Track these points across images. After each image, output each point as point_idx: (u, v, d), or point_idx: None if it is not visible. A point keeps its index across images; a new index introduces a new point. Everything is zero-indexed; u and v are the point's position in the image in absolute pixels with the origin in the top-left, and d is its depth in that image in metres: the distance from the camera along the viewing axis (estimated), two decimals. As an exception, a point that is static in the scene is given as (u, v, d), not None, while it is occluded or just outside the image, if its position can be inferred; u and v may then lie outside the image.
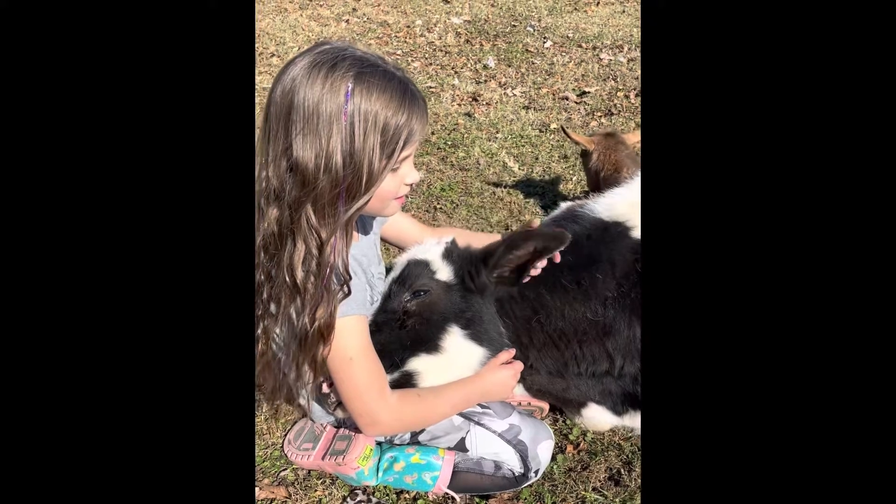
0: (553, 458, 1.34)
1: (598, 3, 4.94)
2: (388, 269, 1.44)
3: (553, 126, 2.94)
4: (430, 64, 3.89)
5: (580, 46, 4.00)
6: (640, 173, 1.49)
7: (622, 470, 1.32)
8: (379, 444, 1.35)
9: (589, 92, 3.29)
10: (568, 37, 4.17)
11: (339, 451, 1.28)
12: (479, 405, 1.32)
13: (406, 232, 1.56)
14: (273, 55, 4.13)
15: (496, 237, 1.46)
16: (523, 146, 2.77)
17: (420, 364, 1.27)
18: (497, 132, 2.92)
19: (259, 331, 1.14)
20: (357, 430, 1.31)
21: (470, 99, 3.34)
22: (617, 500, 1.25)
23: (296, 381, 1.19)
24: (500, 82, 3.55)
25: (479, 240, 1.44)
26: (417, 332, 1.28)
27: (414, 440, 1.32)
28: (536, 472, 1.29)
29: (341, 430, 1.35)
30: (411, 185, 1.16)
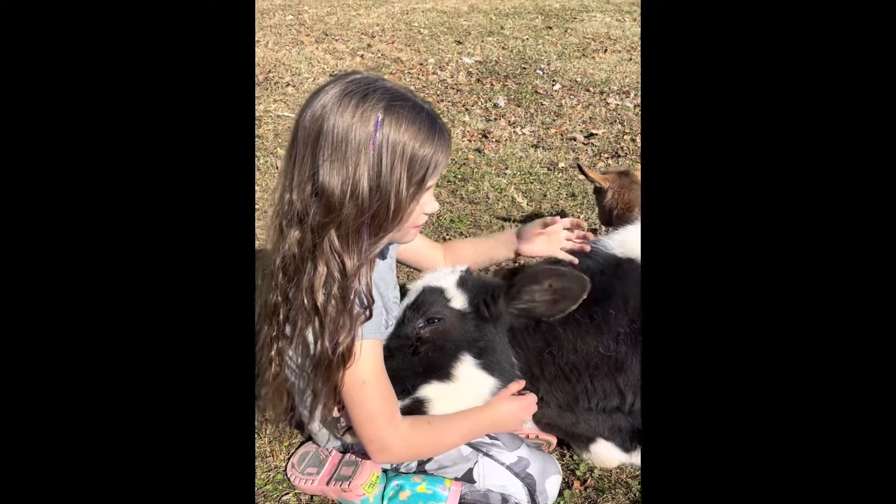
0: (560, 494, 1.32)
1: (606, 50, 5.09)
2: (403, 293, 1.45)
3: (561, 165, 3.00)
4: (442, 101, 3.98)
5: (588, 90, 4.10)
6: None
7: (630, 509, 1.30)
8: (385, 471, 1.33)
9: (596, 134, 3.36)
10: (576, 81, 4.28)
11: (344, 477, 1.27)
12: (488, 436, 1.31)
13: (420, 252, 1.57)
14: (288, 84, 4.22)
15: (508, 234, 1.53)
16: (532, 183, 2.82)
17: (431, 391, 1.27)
18: (506, 168, 2.97)
19: (273, 352, 1.14)
20: (364, 455, 1.30)
21: (480, 136, 3.41)
22: (625, 539, 1.23)
23: (312, 406, 1.19)
24: (509, 121, 3.63)
25: (488, 246, 1.50)
26: (430, 359, 1.28)
27: (421, 469, 1.31)
28: (544, 508, 1.27)
29: (347, 455, 1.33)
30: (430, 214, 1.19)
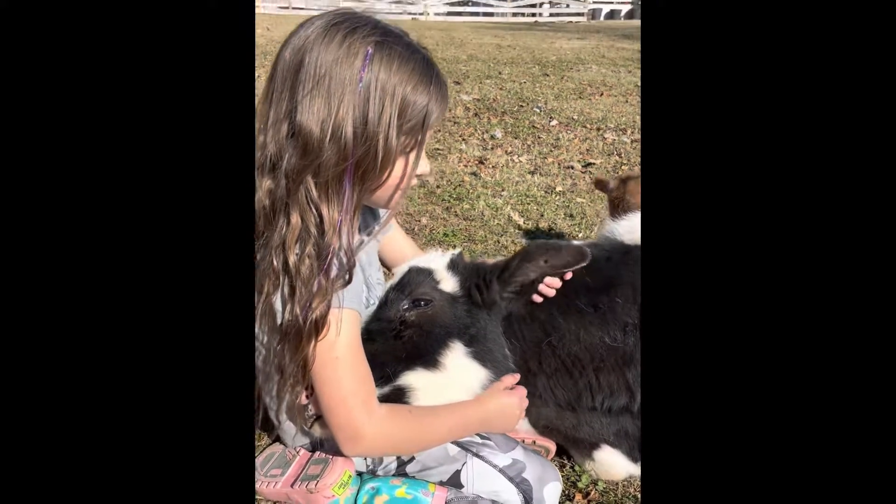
0: (560, 506, 1.15)
1: (602, 94, 5.16)
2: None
3: (559, 189, 2.92)
4: (439, 131, 3.96)
5: (585, 127, 4.10)
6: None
7: (640, 526, 1.13)
8: (360, 474, 1.16)
9: (594, 163, 3.32)
10: (573, 118, 4.30)
11: (311, 476, 1.10)
12: (479, 435, 1.15)
13: (403, 252, 1.45)
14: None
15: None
16: (529, 204, 2.73)
17: (415, 379, 1.12)
18: (502, 190, 2.90)
19: None
20: (335, 452, 1.13)
21: (476, 162, 3.36)
22: (635, 559, 1.06)
23: (278, 389, 1.04)
24: (506, 150, 3.59)
25: None
26: (415, 344, 1.14)
27: (401, 471, 1.14)
28: (541, 520, 1.10)
29: (316, 453, 1.16)
30: (421, 176, 1.08)
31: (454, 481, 1.11)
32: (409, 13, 14.96)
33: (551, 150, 3.58)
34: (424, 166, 1.06)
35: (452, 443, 1.12)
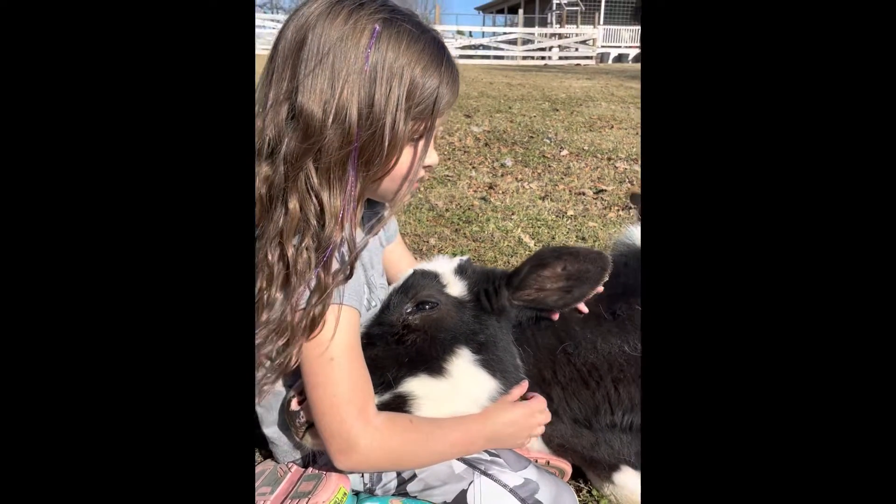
0: (577, 534, 1.04)
1: (612, 127, 5.16)
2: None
3: (570, 213, 2.86)
4: (449, 159, 3.95)
5: (595, 157, 4.07)
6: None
7: (667, 557, 1.01)
8: (356, 493, 1.06)
9: (605, 190, 3.26)
10: (584, 149, 4.27)
11: (302, 494, 1.00)
12: (488, 452, 1.05)
13: (401, 263, 1.37)
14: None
15: None
16: (539, 227, 2.67)
17: (418, 386, 1.03)
18: (512, 214, 2.84)
19: None
20: (330, 467, 1.03)
21: (486, 187, 3.32)
22: None
23: (260, 385, 0.95)
24: (516, 178, 3.56)
25: None
26: (419, 349, 1.06)
27: (401, 490, 1.04)
28: (557, 547, 0.99)
29: (309, 469, 1.07)
30: (429, 168, 1.02)
31: (460, 502, 1.00)
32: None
33: (562, 178, 3.54)
34: (433, 157, 1.00)
35: (458, 460, 1.03)
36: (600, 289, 1.08)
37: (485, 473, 1.02)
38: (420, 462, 0.99)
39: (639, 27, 15.74)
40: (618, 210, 2.98)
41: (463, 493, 1.00)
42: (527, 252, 2.39)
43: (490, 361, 1.08)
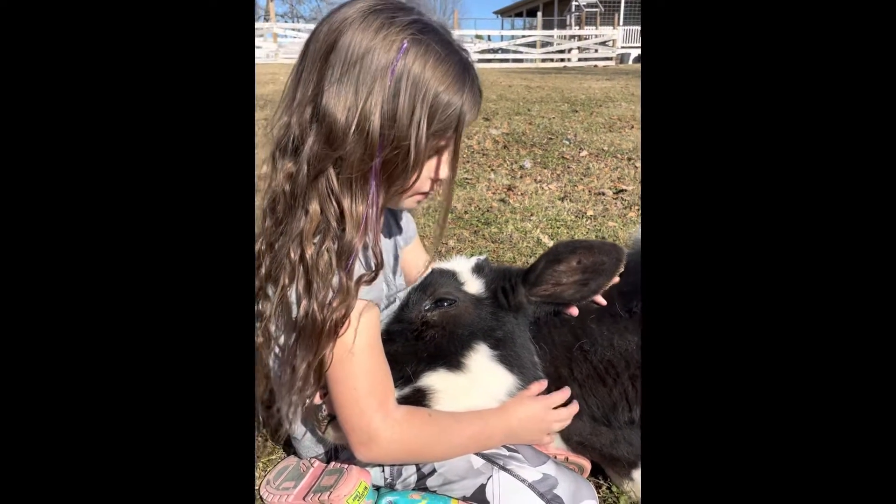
0: (597, 529, 1.04)
1: (633, 127, 5.12)
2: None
3: (590, 213, 2.85)
4: (468, 162, 3.97)
5: (615, 157, 4.05)
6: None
7: (688, 553, 1.01)
8: (377, 488, 1.08)
9: (626, 189, 3.24)
10: (603, 149, 4.25)
11: (324, 488, 1.02)
12: (506, 447, 1.06)
13: (418, 265, 1.38)
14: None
15: None
16: (559, 227, 2.67)
17: (437, 381, 1.05)
18: (531, 215, 2.84)
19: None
20: (352, 462, 1.06)
21: (505, 189, 3.32)
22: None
23: (287, 390, 0.98)
24: (535, 179, 3.56)
25: None
26: (437, 344, 1.07)
27: (421, 485, 1.05)
28: (576, 543, 0.99)
29: (332, 464, 1.09)
30: (440, 181, 1.03)
31: (479, 497, 1.01)
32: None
33: (581, 179, 3.53)
34: (445, 171, 1.01)
35: (477, 455, 1.04)
36: (616, 280, 1.09)
37: (503, 468, 1.03)
38: (439, 455, 1.01)
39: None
40: (638, 210, 2.96)
41: (482, 487, 1.02)
42: (546, 252, 2.40)
43: (508, 357, 1.09)
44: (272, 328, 0.99)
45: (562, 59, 17.13)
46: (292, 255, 0.91)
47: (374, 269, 0.93)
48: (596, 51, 17.36)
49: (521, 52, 17.04)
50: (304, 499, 1.04)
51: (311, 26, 0.97)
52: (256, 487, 1.15)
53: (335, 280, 0.90)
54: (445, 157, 0.99)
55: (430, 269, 1.21)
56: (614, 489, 1.15)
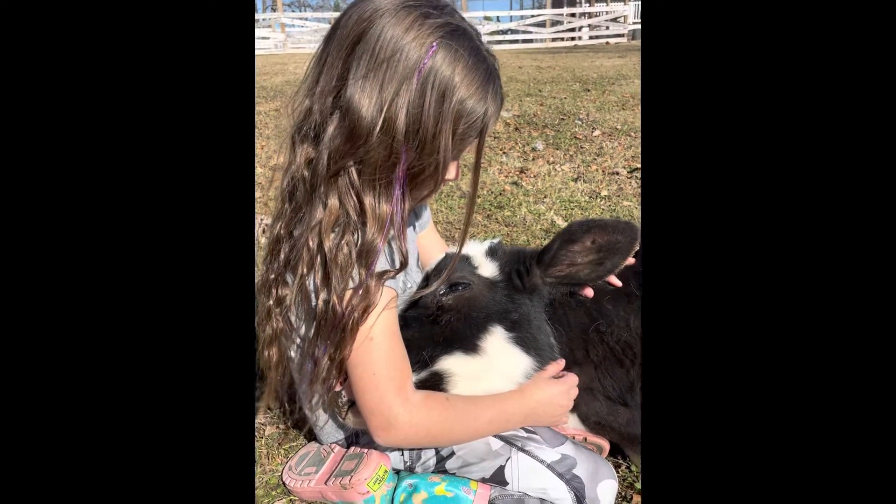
0: (616, 508, 1.05)
1: (646, 104, 5.03)
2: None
3: (604, 193, 2.83)
4: (479, 146, 3.94)
5: (629, 135, 3.99)
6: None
7: (709, 530, 1.01)
8: (397, 471, 1.09)
9: (640, 168, 3.20)
10: (616, 128, 4.20)
11: (345, 472, 1.04)
12: (524, 429, 1.06)
13: (431, 249, 1.38)
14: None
15: None
16: (573, 209, 2.65)
17: (454, 364, 1.05)
18: (545, 197, 2.82)
19: (271, 301, 0.96)
20: (372, 446, 1.07)
21: (517, 172, 3.30)
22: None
23: (310, 381, 0.99)
24: (548, 161, 3.52)
25: None
26: (453, 328, 1.08)
27: (440, 467, 1.06)
28: (596, 521, 1.00)
29: (352, 449, 1.10)
30: (448, 181, 1.02)
31: (498, 478, 1.02)
32: (449, 44, 15.22)
33: (594, 159, 3.49)
34: (452, 172, 1.00)
35: (495, 436, 1.04)
36: (631, 260, 1.08)
37: (522, 450, 1.03)
38: (457, 438, 1.01)
39: None
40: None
41: (501, 468, 1.02)
42: (560, 234, 2.38)
43: (524, 339, 1.09)
44: (292, 318, 1.00)
45: (572, 38, 16.86)
46: (311, 244, 0.90)
47: (398, 266, 0.93)
48: (607, 28, 17.05)
49: (530, 33, 16.80)
50: (325, 483, 1.05)
51: (319, 15, 0.96)
52: (279, 474, 1.17)
53: (355, 274, 0.90)
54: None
55: (444, 254, 1.21)
56: (633, 468, 1.16)
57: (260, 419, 1.33)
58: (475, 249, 1.21)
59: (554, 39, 16.76)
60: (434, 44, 0.84)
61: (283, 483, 1.14)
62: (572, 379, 1.07)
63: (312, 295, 0.93)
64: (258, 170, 3.10)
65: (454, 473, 1.05)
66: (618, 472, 1.14)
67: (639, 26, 16.95)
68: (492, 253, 1.20)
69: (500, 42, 16.42)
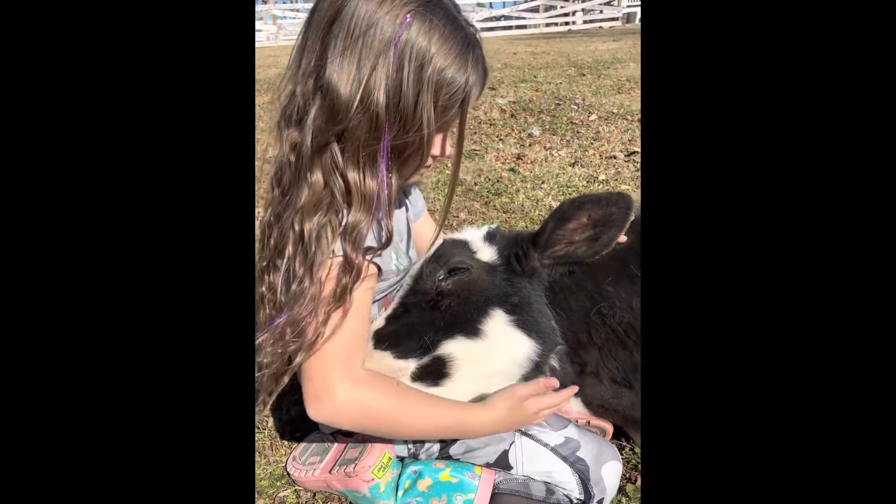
0: (621, 489, 1.04)
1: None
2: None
3: (602, 177, 2.81)
4: (476, 133, 3.92)
5: (626, 119, 3.97)
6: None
7: (715, 509, 1.01)
8: (401, 459, 1.09)
9: (637, 151, 3.18)
10: (613, 112, 4.17)
11: (349, 461, 1.03)
12: (527, 412, 1.06)
13: (426, 237, 1.36)
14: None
15: None
16: (570, 194, 2.63)
17: (456, 348, 1.04)
18: (542, 183, 2.81)
19: (264, 287, 0.95)
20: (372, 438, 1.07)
21: (514, 158, 3.28)
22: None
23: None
24: (545, 146, 3.50)
25: None
26: (454, 312, 1.07)
27: (444, 454, 1.06)
28: (600, 503, 0.99)
29: (355, 436, 1.10)
30: (438, 158, 1.00)
31: (502, 462, 1.02)
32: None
33: (591, 143, 3.47)
34: (438, 149, 0.99)
35: (499, 420, 1.04)
36: (623, 238, 1.07)
37: (525, 434, 1.03)
38: (400, 430, 0.95)
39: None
40: (651, 171, 2.92)
41: (505, 453, 1.02)
42: (559, 219, 2.37)
43: (525, 322, 1.09)
44: (283, 300, 0.99)
45: (566, 23, 16.74)
46: (295, 226, 0.90)
47: (382, 243, 0.92)
48: (601, 11, 16.93)
49: (524, 18, 16.68)
50: (329, 472, 1.05)
51: (310, 6, 0.95)
52: (283, 465, 1.17)
53: (338, 248, 0.89)
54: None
55: (441, 240, 1.20)
56: (637, 450, 1.16)
57: (265, 412, 1.33)
58: (473, 235, 1.20)
59: (548, 24, 16.64)
60: (408, 16, 0.84)
61: (288, 473, 1.14)
62: (566, 394, 1.02)
63: (296, 277, 0.92)
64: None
65: (458, 459, 1.05)
66: (621, 455, 1.14)
67: (632, 9, 16.85)
68: (490, 238, 1.19)
69: (493, 28, 16.30)
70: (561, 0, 17.19)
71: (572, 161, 3.15)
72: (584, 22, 16.70)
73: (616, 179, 2.79)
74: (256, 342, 0.93)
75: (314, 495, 1.10)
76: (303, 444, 1.19)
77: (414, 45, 0.84)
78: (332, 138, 0.87)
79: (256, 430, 1.28)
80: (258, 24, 14.81)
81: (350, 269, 0.89)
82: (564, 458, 1.00)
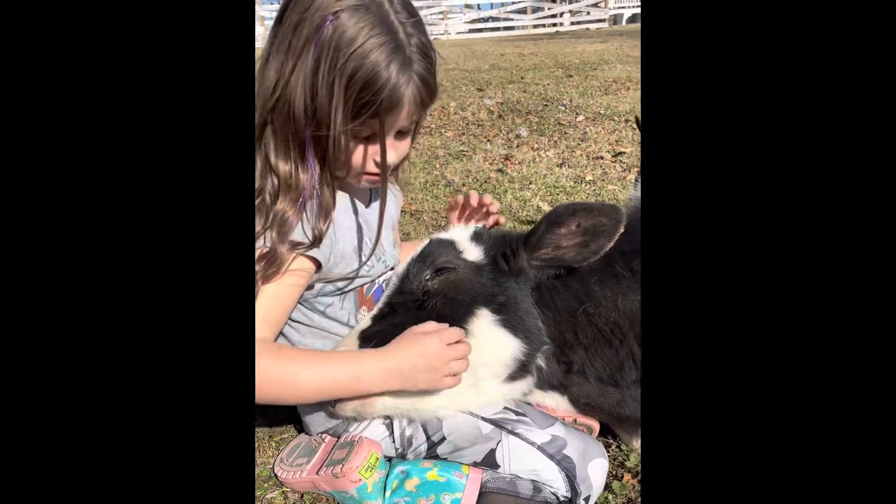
0: (608, 487, 1.05)
1: (629, 88, 5.04)
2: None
3: (589, 178, 2.83)
4: (463, 134, 3.93)
5: (612, 120, 4.00)
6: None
7: (699, 505, 1.02)
8: (388, 458, 1.09)
9: (624, 152, 3.21)
10: (600, 113, 4.20)
11: (336, 461, 1.03)
12: (513, 411, 1.07)
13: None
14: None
15: None
16: (558, 194, 2.65)
17: (442, 349, 1.04)
18: (530, 183, 2.82)
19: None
20: (362, 434, 1.07)
21: (502, 159, 3.29)
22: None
23: None
24: (532, 147, 3.52)
25: None
26: (440, 312, 1.07)
27: (432, 453, 1.06)
28: (587, 501, 1.00)
29: (342, 438, 1.10)
30: (388, 166, 1.00)
31: (489, 461, 1.02)
32: (431, 34, 15.18)
33: (579, 144, 3.49)
34: (391, 156, 1.00)
35: (485, 420, 1.04)
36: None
37: (512, 433, 1.03)
38: (297, 393, 0.93)
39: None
40: (637, 171, 2.94)
41: (492, 452, 1.02)
42: (546, 219, 2.38)
43: (511, 322, 1.09)
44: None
45: (554, 24, 16.82)
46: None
47: (311, 241, 0.96)
48: (588, 13, 17.03)
49: (511, 20, 16.74)
50: (317, 473, 1.05)
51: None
52: (271, 466, 1.17)
53: (267, 239, 0.93)
54: (388, 139, 0.97)
55: (428, 240, 1.20)
56: (623, 448, 1.16)
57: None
58: (460, 234, 1.20)
59: (535, 26, 16.71)
60: (329, 17, 0.86)
61: (275, 475, 1.13)
62: (451, 332, 0.98)
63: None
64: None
65: (446, 458, 1.05)
66: (608, 452, 1.14)
67: (619, 11, 16.96)
68: (476, 237, 1.19)
69: (481, 30, 16.34)
70: (548, 1, 17.28)
71: (560, 162, 3.17)
72: (572, 23, 16.80)
73: (603, 180, 2.81)
74: None
75: (302, 496, 1.10)
76: (290, 445, 1.18)
77: (334, 42, 0.87)
78: (267, 130, 0.93)
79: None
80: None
81: (275, 260, 0.93)
82: (551, 457, 1.01)
